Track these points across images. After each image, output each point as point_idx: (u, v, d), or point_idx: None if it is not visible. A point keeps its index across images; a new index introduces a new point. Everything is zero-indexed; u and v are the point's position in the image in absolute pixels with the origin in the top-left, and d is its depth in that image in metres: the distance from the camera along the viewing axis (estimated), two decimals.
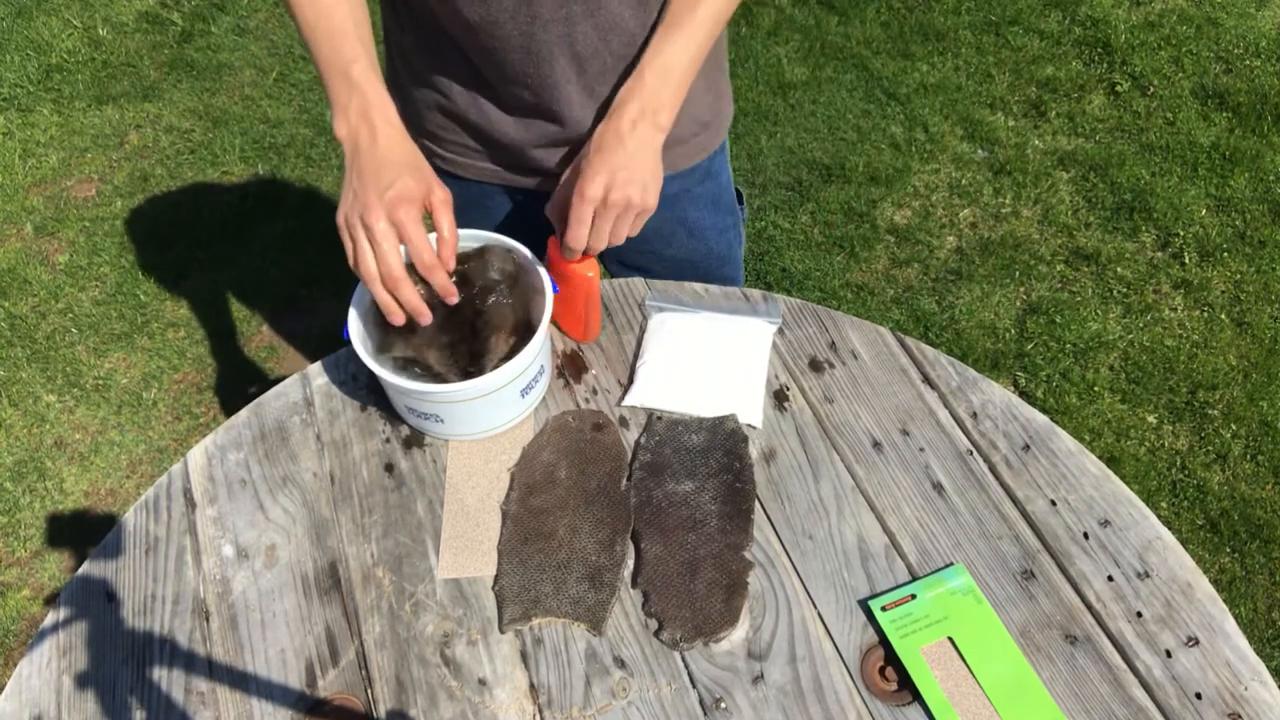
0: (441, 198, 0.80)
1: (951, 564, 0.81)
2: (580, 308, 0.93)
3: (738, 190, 1.17)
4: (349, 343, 0.85)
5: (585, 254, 0.87)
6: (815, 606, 0.80)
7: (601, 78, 0.90)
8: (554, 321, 0.97)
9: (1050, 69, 2.56)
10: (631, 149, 0.81)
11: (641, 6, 0.87)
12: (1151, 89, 2.48)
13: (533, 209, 1.08)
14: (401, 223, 0.75)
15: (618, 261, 1.15)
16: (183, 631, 0.81)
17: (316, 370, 0.97)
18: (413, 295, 0.77)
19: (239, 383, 2.05)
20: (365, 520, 0.87)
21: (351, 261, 0.77)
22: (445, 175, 1.06)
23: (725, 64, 1.05)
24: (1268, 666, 0.77)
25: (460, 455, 0.90)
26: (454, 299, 0.81)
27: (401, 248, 0.77)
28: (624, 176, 0.80)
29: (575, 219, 0.82)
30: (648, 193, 0.82)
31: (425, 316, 0.79)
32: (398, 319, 0.78)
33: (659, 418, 0.91)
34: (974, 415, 0.91)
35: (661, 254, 1.11)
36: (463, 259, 0.87)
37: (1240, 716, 0.73)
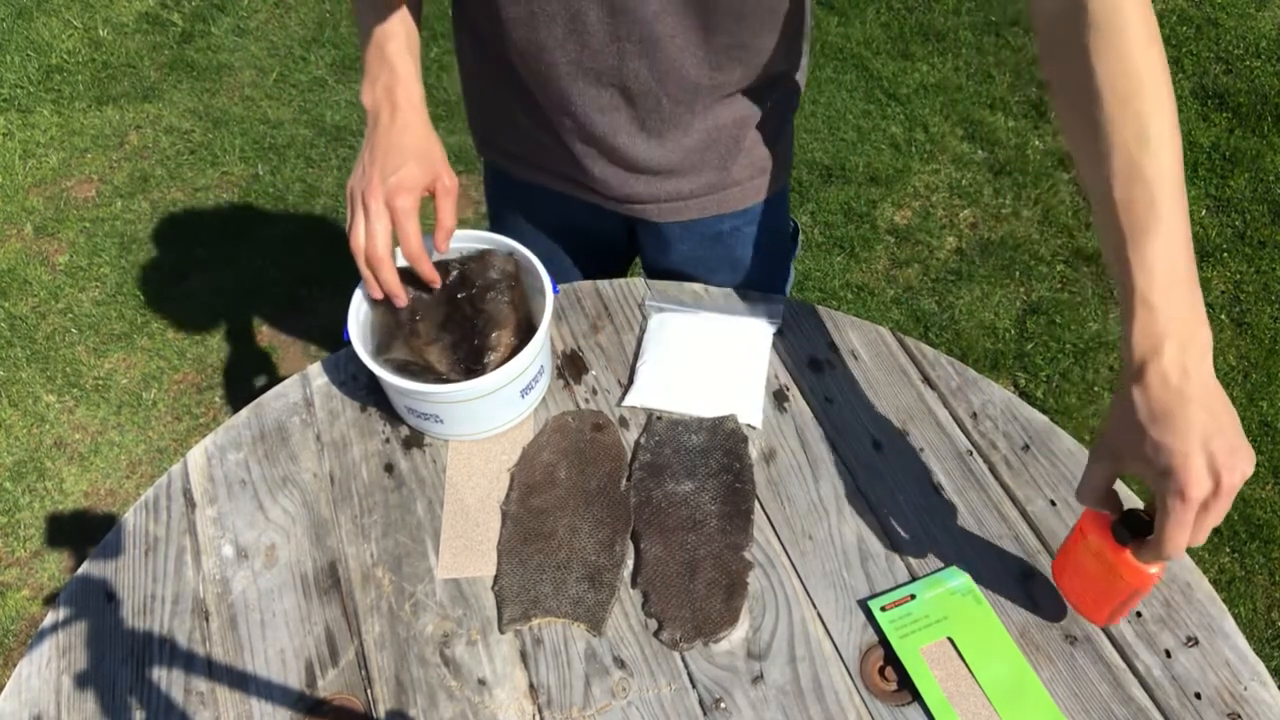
0: (447, 185, 0.82)
1: (951, 564, 0.81)
2: (1119, 599, 0.72)
3: (793, 223, 1.13)
4: (349, 343, 0.85)
5: None
6: (815, 606, 0.80)
7: (655, 113, 0.89)
8: (1068, 599, 0.78)
9: None
10: (1205, 401, 0.60)
11: (709, 61, 0.84)
12: None
13: (594, 220, 1.07)
14: (396, 210, 0.79)
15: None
16: (182, 631, 0.81)
17: (316, 370, 0.97)
18: (391, 277, 0.81)
19: (239, 383, 2.05)
20: (365, 520, 0.87)
21: (347, 230, 0.82)
22: (509, 180, 1.06)
23: (793, 114, 1.00)
24: (1267, 666, 0.77)
25: (460, 455, 0.90)
26: (436, 284, 0.85)
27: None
28: (1222, 447, 0.59)
29: (1177, 524, 0.60)
30: (1249, 454, 0.60)
31: (400, 299, 0.84)
32: (375, 293, 0.83)
33: (659, 418, 0.91)
34: (974, 415, 0.91)
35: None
36: (464, 260, 0.88)
37: (1240, 716, 0.73)
